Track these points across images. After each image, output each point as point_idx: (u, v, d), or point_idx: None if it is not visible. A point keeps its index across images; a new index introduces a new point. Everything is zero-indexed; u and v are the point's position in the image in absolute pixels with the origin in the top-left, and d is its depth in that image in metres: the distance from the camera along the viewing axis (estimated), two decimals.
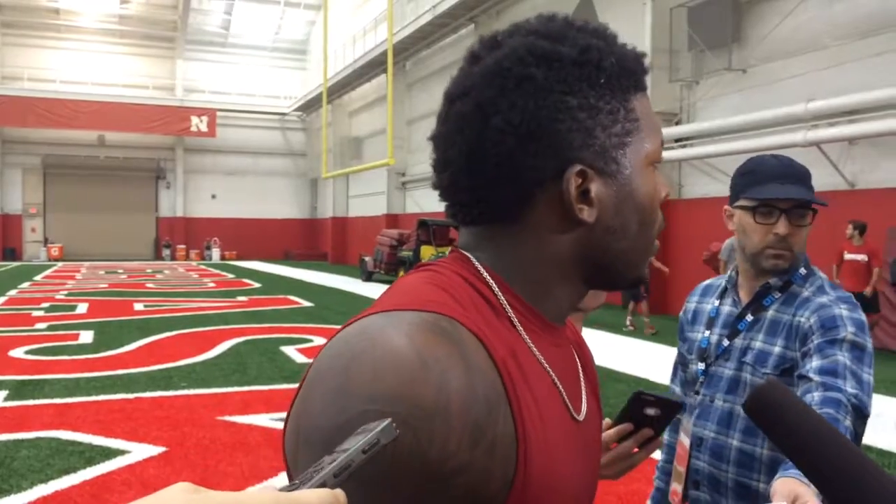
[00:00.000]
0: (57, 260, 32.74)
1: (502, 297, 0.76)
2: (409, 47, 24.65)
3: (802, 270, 1.83)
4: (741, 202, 1.79)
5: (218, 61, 37.46)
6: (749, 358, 1.79)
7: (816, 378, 1.58)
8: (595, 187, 0.75)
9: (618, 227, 0.77)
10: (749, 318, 1.83)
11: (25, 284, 19.55)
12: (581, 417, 0.83)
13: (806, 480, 1.39)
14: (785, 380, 1.72)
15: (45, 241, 33.90)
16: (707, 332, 1.89)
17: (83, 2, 34.22)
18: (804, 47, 11.66)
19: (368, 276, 22.11)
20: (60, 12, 34.49)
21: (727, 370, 1.82)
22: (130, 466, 4.83)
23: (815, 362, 1.61)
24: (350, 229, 32.48)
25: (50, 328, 11.16)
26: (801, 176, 1.77)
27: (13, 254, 33.15)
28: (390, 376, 0.63)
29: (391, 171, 26.33)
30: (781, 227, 1.74)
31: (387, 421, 0.53)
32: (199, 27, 36.67)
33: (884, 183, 10.51)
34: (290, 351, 9.23)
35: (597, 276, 0.81)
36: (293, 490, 0.49)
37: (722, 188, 12.86)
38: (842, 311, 1.68)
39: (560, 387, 0.80)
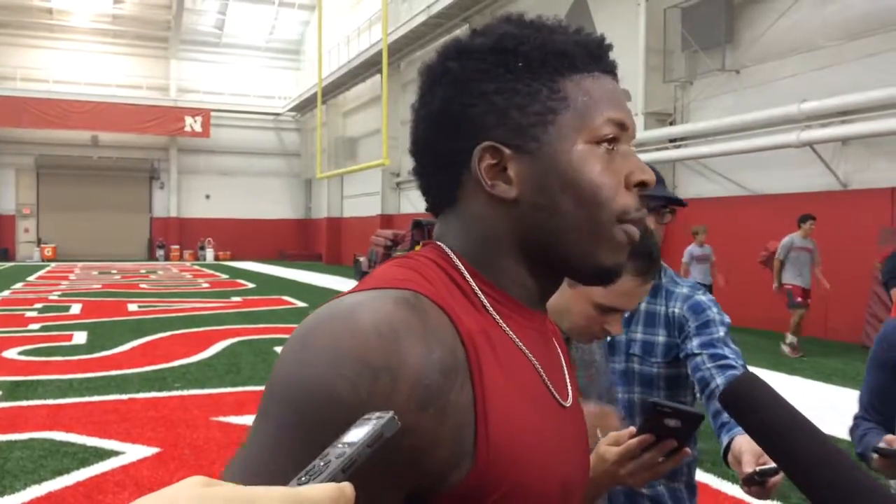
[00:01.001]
0: (50, 260, 32.61)
1: (473, 282, 0.78)
2: (403, 48, 24.63)
3: None
4: None
5: (212, 61, 37.35)
6: (636, 349, 1.98)
7: (702, 351, 1.85)
8: (513, 164, 0.78)
9: (546, 204, 0.78)
10: (626, 313, 1.95)
11: (18, 285, 19.47)
12: (568, 404, 0.84)
13: None
14: (675, 365, 1.95)
15: (39, 242, 33.75)
16: None
17: (76, 1, 34.07)
18: (797, 48, 11.69)
19: (362, 277, 22.04)
20: (53, 12, 34.35)
21: (617, 364, 2.00)
22: (124, 467, 4.82)
23: (695, 341, 1.88)
24: (344, 230, 32.43)
25: (43, 329, 11.12)
26: (661, 180, 2.01)
27: (6, 254, 32.99)
28: (345, 340, 0.67)
29: (386, 172, 26.30)
30: (650, 224, 1.93)
31: (389, 414, 0.55)
32: (192, 27, 36.57)
33: (876, 183, 10.55)
34: None
35: (546, 259, 0.81)
36: (302, 484, 0.50)
37: (716, 188, 12.92)
38: (700, 297, 1.96)
39: (542, 371, 0.80)
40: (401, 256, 0.82)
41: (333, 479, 0.50)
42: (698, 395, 1.88)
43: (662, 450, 1.08)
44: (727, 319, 1.93)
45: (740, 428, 1.48)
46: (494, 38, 0.79)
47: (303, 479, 0.51)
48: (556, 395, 0.82)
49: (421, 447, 0.66)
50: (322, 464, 0.52)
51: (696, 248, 10.64)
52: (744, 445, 1.44)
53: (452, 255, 0.80)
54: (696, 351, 1.86)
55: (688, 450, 1.09)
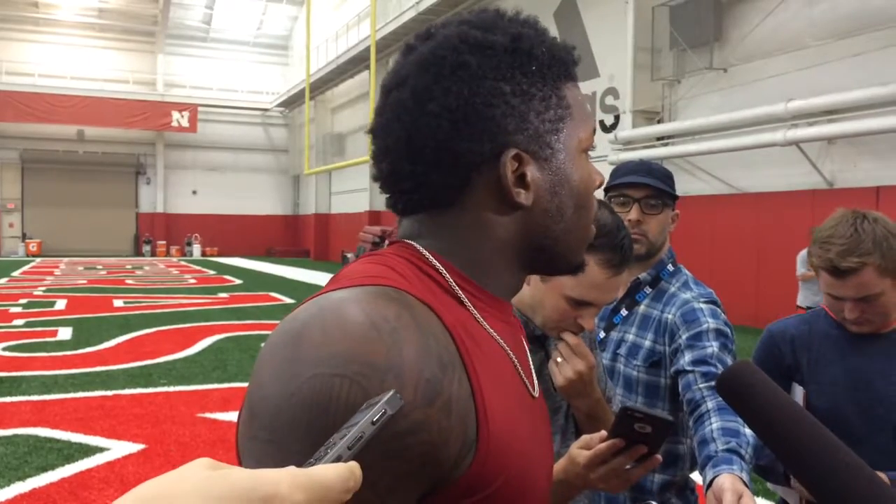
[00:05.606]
0: (35, 256, 32.36)
1: (449, 277, 0.78)
2: (391, 44, 24.57)
3: (670, 267, 2.00)
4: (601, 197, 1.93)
5: (199, 56, 37.15)
6: (623, 350, 1.93)
7: (694, 369, 1.73)
8: (531, 171, 0.78)
9: (554, 210, 0.80)
10: (624, 312, 1.97)
11: (3, 280, 19.32)
12: (536, 394, 0.85)
13: (746, 478, 1.44)
14: (653, 372, 1.88)
15: (24, 237, 33.49)
16: None
17: None
18: (784, 47, 11.75)
19: None
20: (39, 5, 34.05)
21: (604, 360, 1.94)
22: (109, 464, 4.80)
23: (687, 356, 1.76)
24: (332, 226, 32.37)
25: (28, 324, 11.03)
26: (654, 172, 1.96)
27: None
28: (339, 339, 0.64)
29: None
30: (633, 213, 1.91)
31: (391, 392, 0.54)
32: (180, 21, 36.36)
33: (862, 182, 10.62)
34: None
35: (538, 259, 0.83)
36: (309, 466, 0.49)
37: (704, 186, 12.96)
38: (701, 305, 1.85)
39: (516, 361, 0.81)
40: (368, 254, 0.81)
41: (339, 456, 0.49)
42: (686, 416, 1.74)
43: (633, 455, 1.07)
44: (727, 330, 1.81)
45: (726, 466, 1.46)
46: (510, 36, 0.77)
47: (311, 462, 0.50)
48: (528, 386, 0.83)
49: (434, 442, 0.66)
50: (325, 450, 0.51)
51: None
52: (725, 484, 1.38)
53: (426, 253, 0.79)
54: (688, 368, 1.74)
55: (658, 457, 1.08)
